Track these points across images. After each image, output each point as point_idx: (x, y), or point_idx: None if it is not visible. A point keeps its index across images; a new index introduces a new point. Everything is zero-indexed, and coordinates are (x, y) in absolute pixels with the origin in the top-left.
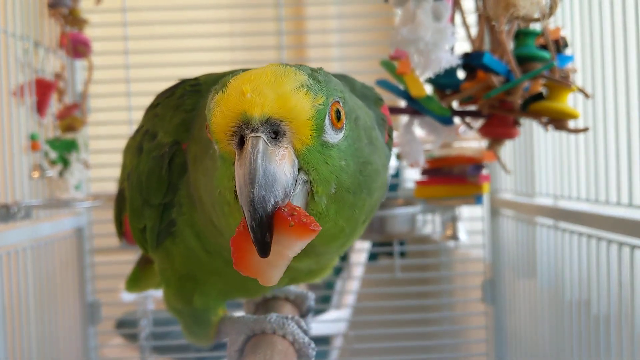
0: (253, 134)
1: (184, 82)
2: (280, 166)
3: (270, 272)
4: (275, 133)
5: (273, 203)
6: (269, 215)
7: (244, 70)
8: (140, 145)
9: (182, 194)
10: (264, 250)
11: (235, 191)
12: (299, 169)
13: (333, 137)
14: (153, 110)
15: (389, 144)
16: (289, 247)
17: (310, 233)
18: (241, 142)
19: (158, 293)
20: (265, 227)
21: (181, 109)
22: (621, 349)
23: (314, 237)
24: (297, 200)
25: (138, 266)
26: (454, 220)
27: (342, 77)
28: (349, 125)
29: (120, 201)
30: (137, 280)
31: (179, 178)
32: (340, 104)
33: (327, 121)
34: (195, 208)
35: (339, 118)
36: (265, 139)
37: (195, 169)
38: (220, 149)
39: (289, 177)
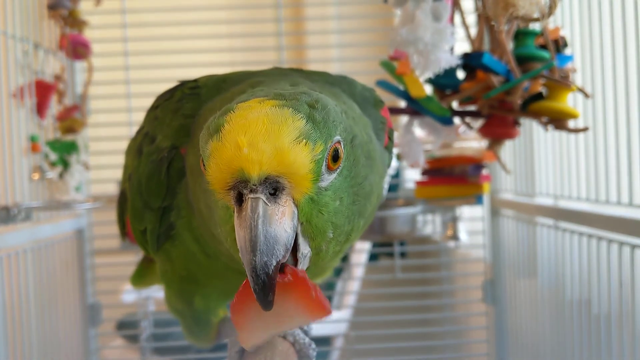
0: (252, 195)
1: (183, 84)
2: (280, 225)
3: (256, 333)
4: (274, 189)
5: (275, 264)
6: (272, 278)
7: (240, 73)
8: (140, 147)
9: (181, 198)
10: (267, 306)
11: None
12: (298, 220)
13: (327, 179)
14: (153, 112)
15: (389, 146)
16: (292, 317)
17: (323, 314)
18: (239, 198)
19: (159, 294)
20: (268, 289)
21: (180, 113)
22: (622, 349)
23: (322, 318)
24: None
25: (143, 262)
26: (454, 220)
27: (343, 79)
28: (344, 155)
29: (123, 201)
30: (142, 276)
31: (177, 182)
32: (341, 143)
33: (323, 167)
34: (193, 213)
35: (336, 159)
36: (264, 199)
37: (193, 179)
38: (218, 197)
39: (289, 233)
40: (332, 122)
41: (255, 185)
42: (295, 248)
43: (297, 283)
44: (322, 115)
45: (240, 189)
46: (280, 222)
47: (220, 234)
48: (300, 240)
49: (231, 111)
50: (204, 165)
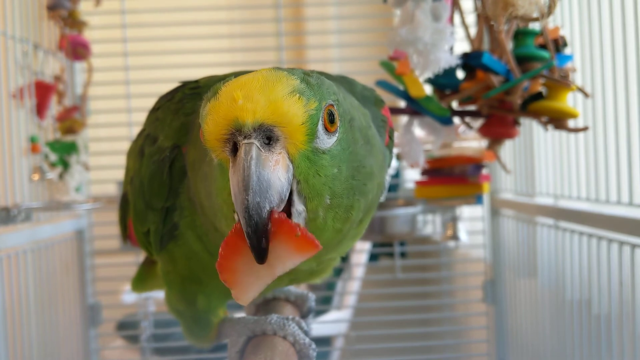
0: (246, 141)
1: (184, 85)
2: (274, 172)
3: (249, 286)
4: (269, 139)
5: (268, 209)
6: (265, 222)
7: (240, 73)
8: (142, 149)
9: (183, 197)
10: (261, 256)
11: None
12: (294, 175)
13: (326, 142)
14: (154, 114)
15: (390, 145)
16: (283, 261)
17: (312, 249)
18: (235, 149)
19: (159, 294)
20: (261, 234)
21: (181, 112)
22: (622, 349)
23: (313, 255)
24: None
25: (144, 266)
26: (454, 220)
27: (342, 79)
28: (342, 128)
29: (125, 204)
30: (143, 280)
31: (179, 182)
32: (334, 106)
33: (320, 126)
34: (196, 211)
35: (332, 121)
36: (258, 145)
37: (194, 174)
38: (215, 157)
39: (283, 182)
40: (327, 89)
41: (249, 132)
42: (290, 205)
43: (280, 224)
44: (316, 81)
45: (236, 139)
46: (273, 169)
47: (217, 205)
48: (295, 197)
49: (229, 79)
50: (202, 133)
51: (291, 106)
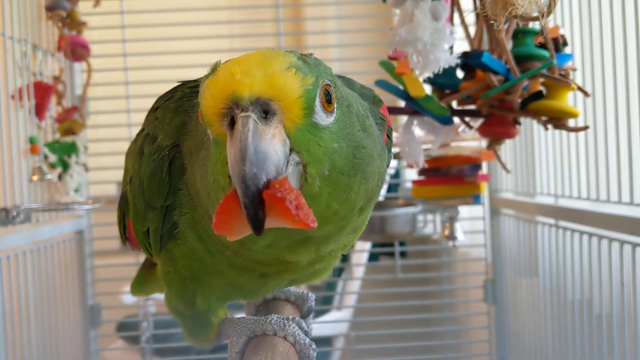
0: (243, 114)
1: (183, 85)
2: (271, 144)
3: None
4: (266, 112)
5: (265, 180)
6: (261, 192)
7: None
8: (141, 149)
9: (183, 194)
10: (258, 228)
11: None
12: (291, 150)
13: (324, 119)
14: (153, 114)
15: (388, 144)
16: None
17: (308, 226)
18: (232, 123)
19: (159, 295)
20: (257, 204)
21: (180, 110)
22: (624, 348)
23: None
24: (291, 181)
25: (143, 269)
26: (451, 220)
27: (341, 78)
28: (340, 110)
29: (124, 205)
30: (142, 283)
31: (179, 179)
32: (331, 86)
33: (317, 102)
34: (195, 207)
35: (329, 101)
36: (255, 118)
37: (191, 163)
38: (212, 133)
39: (280, 156)
40: (324, 69)
41: (246, 105)
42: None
43: (276, 201)
44: (313, 61)
45: (233, 113)
46: (270, 141)
47: (213, 182)
48: (292, 166)
49: (228, 59)
50: (200, 112)
51: (288, 80)
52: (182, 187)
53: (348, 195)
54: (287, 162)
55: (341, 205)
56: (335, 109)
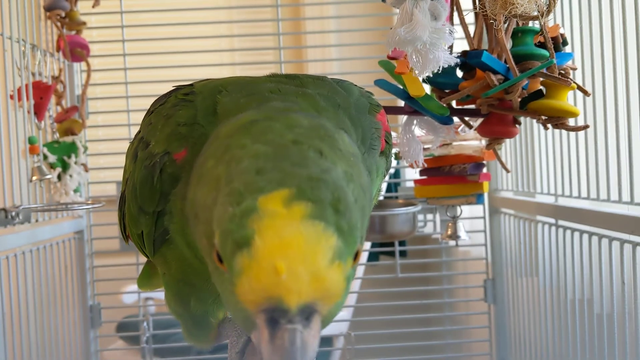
0: (290, 326)
1: (177, 90)
2: (313, 348)
3: None
4: (309, 314)
5: None
6: None
7: (239, 78)
8: (136, 152)
9: (173, 204)
10: None
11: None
12: None
13: (347, 273)
14: (148, 118)
15: (386, 150)
16: None
17: None
18: (272, 322)
19: (159, 295)
20: None
21: (172, 120)
22: (624, 349)
23: None
24: None
25: (149, 264)
26: (453, 219)
27: (340, 85)
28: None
29: (123, 204)
30: (149, 277)
31: (170, 188)
32: (361, 243)
33: (350, 272)
34: (186, 221)
35: (355, 257)
36: (301, 328)
37: (192, 188)
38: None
39: (316, 349)
40: (355, 227)
41: (293, 316)
42: None
43: None
44: (347, 222)
45: (276, 316)
46: (313, 345)
47: (228, 307)
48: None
49: (254, 213)
50: (219, 258)
51: (334, 278)
52: (172, 197)
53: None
54: None
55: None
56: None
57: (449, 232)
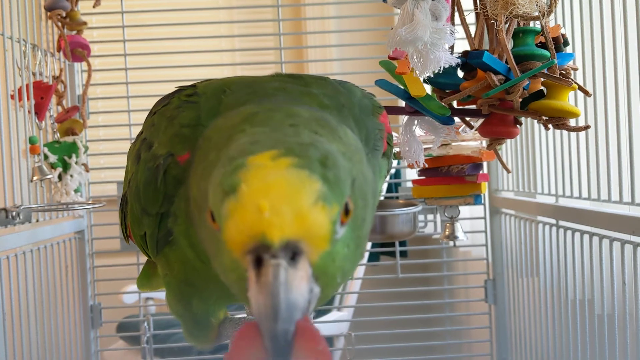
0: (273, 261)
1: (180, 91)
2: (300, 290)
3: None
4: (294, 253)
5: (293, 330)
6: (290, 342)
7: (240, 78)
8: (138, 153)
9: (178, 206)
10: None
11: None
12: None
13: (339, 231)
14: (151, 119)
15: (388, 151)
16: None
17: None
18: (258, 261)
19: (160, 295)
20: (287, 355)
21: (176, 121)
22: (625, 349)
23: None
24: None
25: (148, 264)
26: (452, 219)
27: (342, 86)
28: (354, 210)
29: (125, 205)
30: (149, 277)
31: (174, 189)
32: (350, 197)
33: (338, 225)
34: (191, 222)
35: (347, 213)
36: (285, 264)
37: (196, 185)
38: (233, 258)
39: (306, 297)
40: (343, 181)
41: (276, 252)
42: None
43: (304, 332)
44: (334, 174)
45: (260, 253)
46: (299, 288)
47: (225, 276)
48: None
49: (243, 167)
50: (212, 218)
51: (317, 217)
52: (177, 199)
53: (349, 276)
54: (310, 298)
55: (339, 286)
56: (350, 217)
57: (447, 233)
